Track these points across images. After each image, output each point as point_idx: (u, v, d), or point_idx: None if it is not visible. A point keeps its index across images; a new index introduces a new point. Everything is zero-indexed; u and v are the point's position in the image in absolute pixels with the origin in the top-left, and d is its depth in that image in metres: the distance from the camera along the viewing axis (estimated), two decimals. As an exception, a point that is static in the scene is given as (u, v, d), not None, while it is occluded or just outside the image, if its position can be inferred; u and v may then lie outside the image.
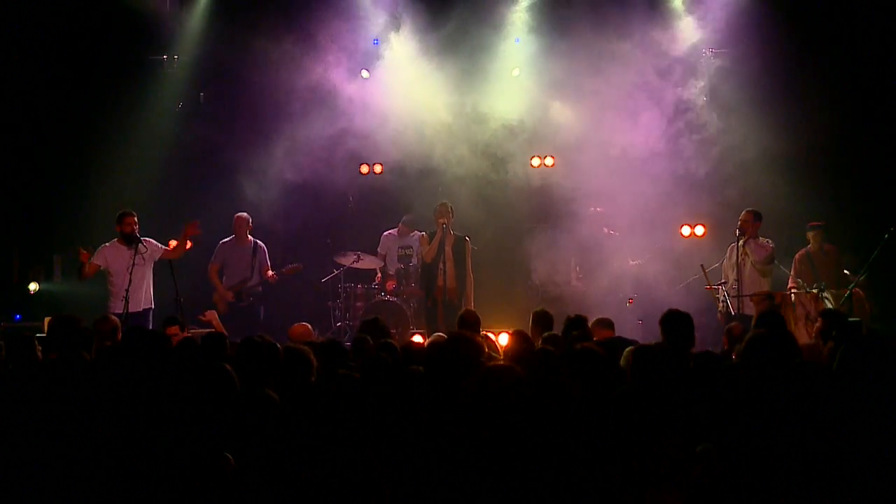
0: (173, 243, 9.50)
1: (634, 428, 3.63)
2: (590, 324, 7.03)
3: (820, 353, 5.73)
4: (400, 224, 11.34)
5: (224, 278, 10.64)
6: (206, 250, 10.77)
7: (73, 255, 10.02)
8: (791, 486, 3.22)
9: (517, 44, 11.90)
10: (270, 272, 10.53)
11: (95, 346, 6.11)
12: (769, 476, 3.31)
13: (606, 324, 7.05)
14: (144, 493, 3.34)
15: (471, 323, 7.03)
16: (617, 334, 6.90)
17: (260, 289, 10.62)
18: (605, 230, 11.07)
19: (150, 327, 8.93)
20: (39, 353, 5.93)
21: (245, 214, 10.68)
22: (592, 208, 11.10)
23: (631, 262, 11.02)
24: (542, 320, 7.11)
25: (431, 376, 4.83)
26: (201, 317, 8.95)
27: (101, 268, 9.31)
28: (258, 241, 10.69)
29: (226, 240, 10.71)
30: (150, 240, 9.38)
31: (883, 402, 3.83)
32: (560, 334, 6.45)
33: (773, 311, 6.80)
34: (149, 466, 3.42)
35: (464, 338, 5.15)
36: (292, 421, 3.92)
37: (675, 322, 5.59)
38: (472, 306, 9.55)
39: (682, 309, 5.78)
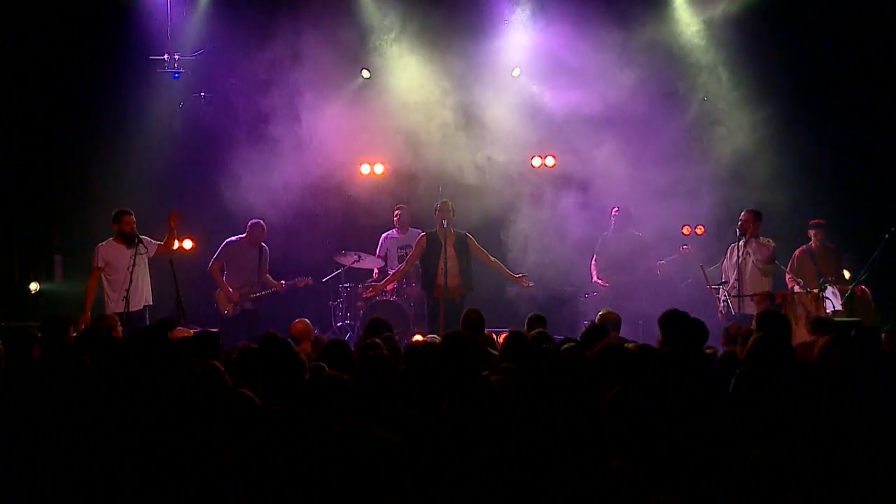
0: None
1: (630, 430, 3.62)
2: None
3: (811, 351, 5.73)
4: (396, 214, 11.30)
5: (226, 278, 10.60)
6: (207, 249, 10.78)
7: (73, 256, 10.06)
8: (788, 486, 3.21)
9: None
10: (282, 282, 10.53)
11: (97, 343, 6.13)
12: (766, 476, 3.31)
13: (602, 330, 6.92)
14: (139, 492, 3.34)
15: (474, 322, 7.01)
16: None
17: (264, 292, 10.62)
18: (630, 230, 11.03)
19: (147, 324, 8.91)
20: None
21: (262, 223, 10.60)
22: (615, 209, 11.06)
23: (657, 263, 11.00)
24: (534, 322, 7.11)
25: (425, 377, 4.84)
26: None
27: (101, 268, 9.31)
28: (263, 244, 10.67)
29: (232, 239, 10.66)
30: (146, 237, 9.38)
31: (880, 402, 3.82)
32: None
33: (775, 312, 6.73)
34: (144, 465, 3.41)
35: (463, 338, 5.15)
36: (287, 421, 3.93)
37: (675, 322, 5.58)
38: (514, 275, 9.99)
39: (683, 309, 5.77)
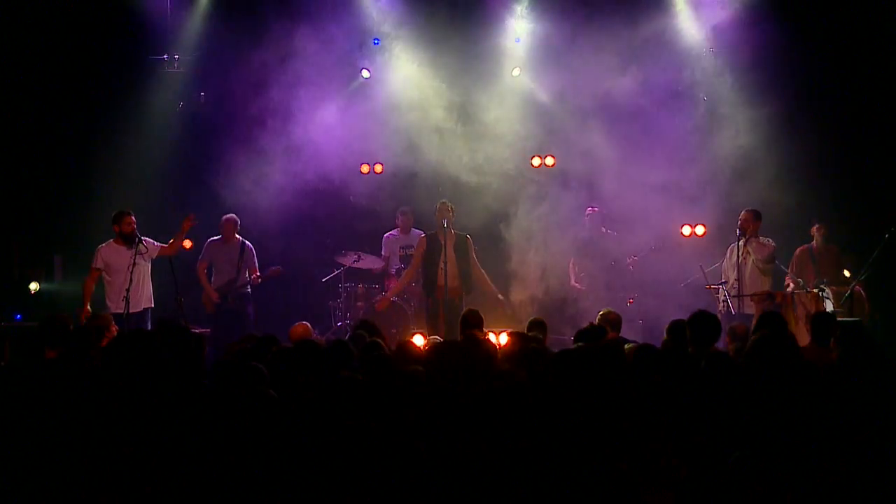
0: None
1: (628, 429, 3.63)
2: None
3: (825, 354, 5.74)
4: (399, 216, 11.32)
5: (212, 277, 10.66)
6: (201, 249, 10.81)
7: (73, 256, 10.06)
8: (789, 485, 3.21)
9: (517, 43, 11.92)
10: (256, 274, 10.55)
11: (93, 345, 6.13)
12: (767, 477, 3.31)
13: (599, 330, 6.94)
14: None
15: (474, 323, 7.02)
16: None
17: (248, 290, 10.63)
18: (603, 229, 11.07)
19: (149, 326, 8.95)
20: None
21: (233, 216, 10.67)
22: (590, 208, 11.11)
23: (629, 259, 11.03)
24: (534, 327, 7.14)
25: (432, 378, 4.82)
26: None
27: (99, 269, 9.33)
28: (246, 241, 10.69)
29: (213, 238, 10.72)
30: (148, 238, 9.39)
31: (882, 403, 3.83)
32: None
33: (774, 312, 6.78)
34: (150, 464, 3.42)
35: (476, 340, 5.16)
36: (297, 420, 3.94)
37: (704, 323, 5.65)
38: (499, 295, 10.16)
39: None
